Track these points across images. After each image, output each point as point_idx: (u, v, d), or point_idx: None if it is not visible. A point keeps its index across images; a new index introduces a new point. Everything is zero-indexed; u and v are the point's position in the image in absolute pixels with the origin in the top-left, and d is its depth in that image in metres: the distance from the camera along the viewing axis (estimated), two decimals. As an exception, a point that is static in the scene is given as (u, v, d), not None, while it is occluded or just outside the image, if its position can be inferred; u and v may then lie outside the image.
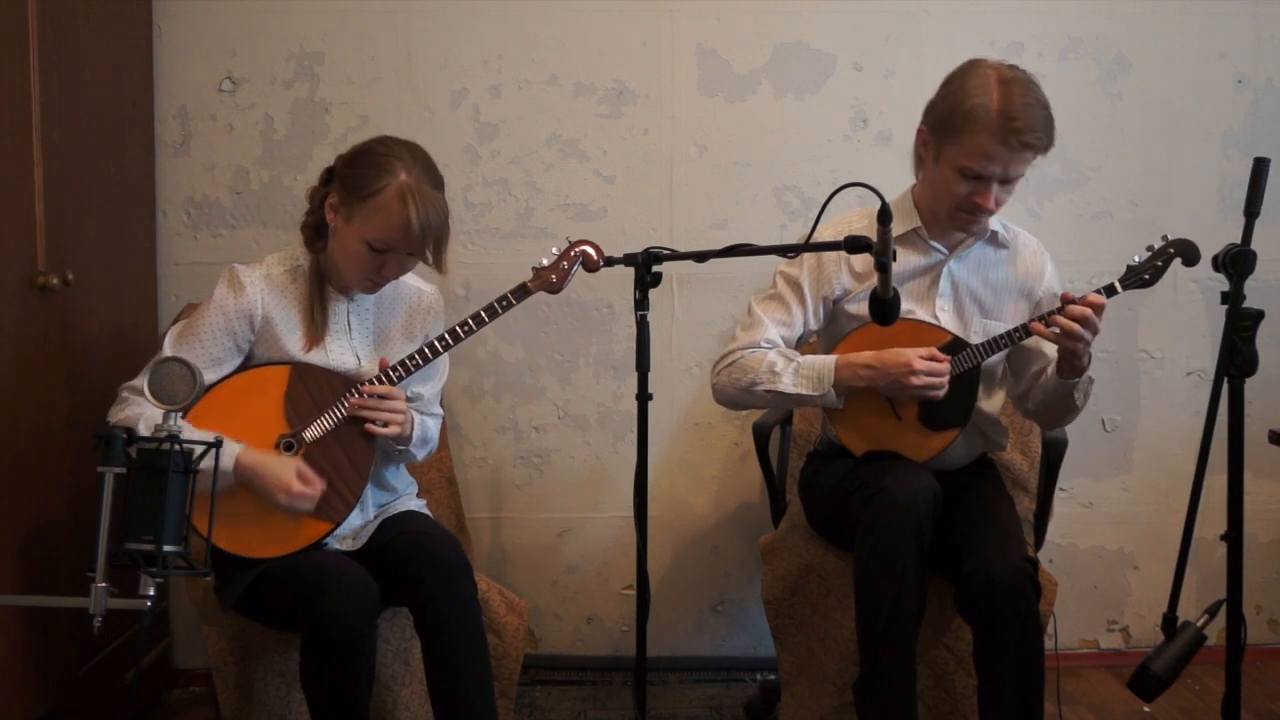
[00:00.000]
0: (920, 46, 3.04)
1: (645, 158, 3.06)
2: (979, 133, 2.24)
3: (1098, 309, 2.24)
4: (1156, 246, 2.36)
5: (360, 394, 2.22)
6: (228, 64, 2.98)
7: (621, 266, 2.08)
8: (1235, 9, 3.10)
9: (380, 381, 2.23)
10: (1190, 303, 3.17)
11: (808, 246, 2.12)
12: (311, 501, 2.17)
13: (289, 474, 2.15)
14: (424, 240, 2.17)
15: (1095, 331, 2.25)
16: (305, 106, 2.99)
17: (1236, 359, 2.06)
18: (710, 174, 3.07)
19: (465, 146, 3.03)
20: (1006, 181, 2.30)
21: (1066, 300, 2.26)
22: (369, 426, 2.23)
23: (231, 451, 2.14)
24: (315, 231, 2.29)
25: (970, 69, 2.31)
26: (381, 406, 2.23)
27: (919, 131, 2.39)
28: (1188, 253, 2.34)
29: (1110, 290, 2.31)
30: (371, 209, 2.18)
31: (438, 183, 2.23)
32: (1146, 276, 2.35)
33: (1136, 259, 2.36)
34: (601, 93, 3.04)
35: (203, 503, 1.93)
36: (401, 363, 2.23)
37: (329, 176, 2.28)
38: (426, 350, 2.24)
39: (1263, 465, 3.18)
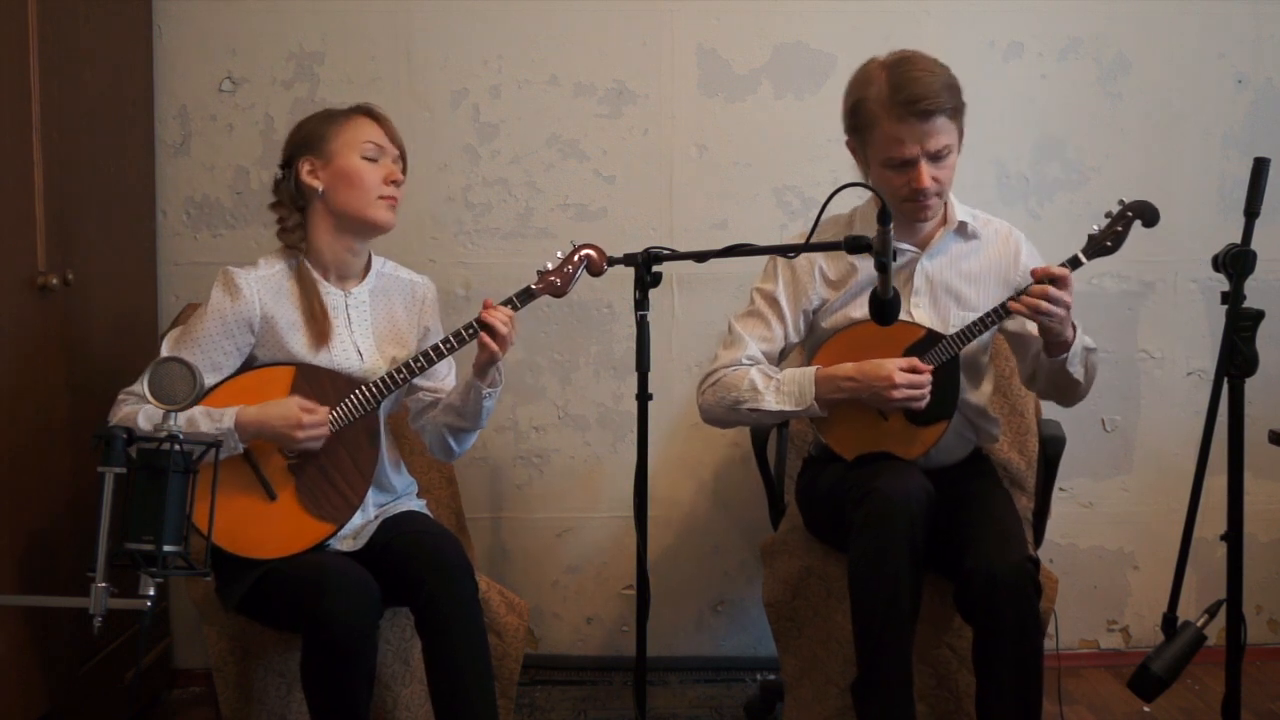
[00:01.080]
0: (920, 46, 2.98)
1: (645, 158, 3.06)
2: (881, 122, 2.26)
3: (1059, 281, 2.24)
4: (1114, 212, 2.35)
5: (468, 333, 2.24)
6: (228, 64, 2.98)
7: (621, 266, 2.08)
8: (1235, 9, 3.10)
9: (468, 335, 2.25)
10: (1190, 303, 3.17)
11: (808, 247, 2.12)
12: (323, 428, 2.19)
13: (294, 411, 2.17)
14: (395, 132, 2.34)
15: (1065, 305, 2.24)
16: (305, 106, 2.98)
17: (1236, 359, 2.06)
18: (710, 174, 3.07)
19: (465, 146, 3.03)
20: (936, 158, 2.29)
21: (1035, 276, 2.26)
22: (483, 337, 2.22)
23: (229, 414, 2.15)
24: (297, 234, 2.32)
25: (859, 69, 2.35)
26: (510, 327, 2.25)
27: (846, 143, 2.41)
28: (1146, 213, 2.33)
29: (1075, 262, 2.31)
30: (343, 130, 2.30)
31: None
32: (1109, 244, 2.34)
33: (1096, 228, 2.36)
34: (601, 93, 3.04)
35: (204, 503, 1.94)
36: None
37: (286, 165, 2.33)
38: (441, 346, 2.25)
39: (1263, 465, 3.17)
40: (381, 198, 2.29)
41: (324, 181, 2.29)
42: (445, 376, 2.44)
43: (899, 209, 2.35)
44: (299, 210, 2.32)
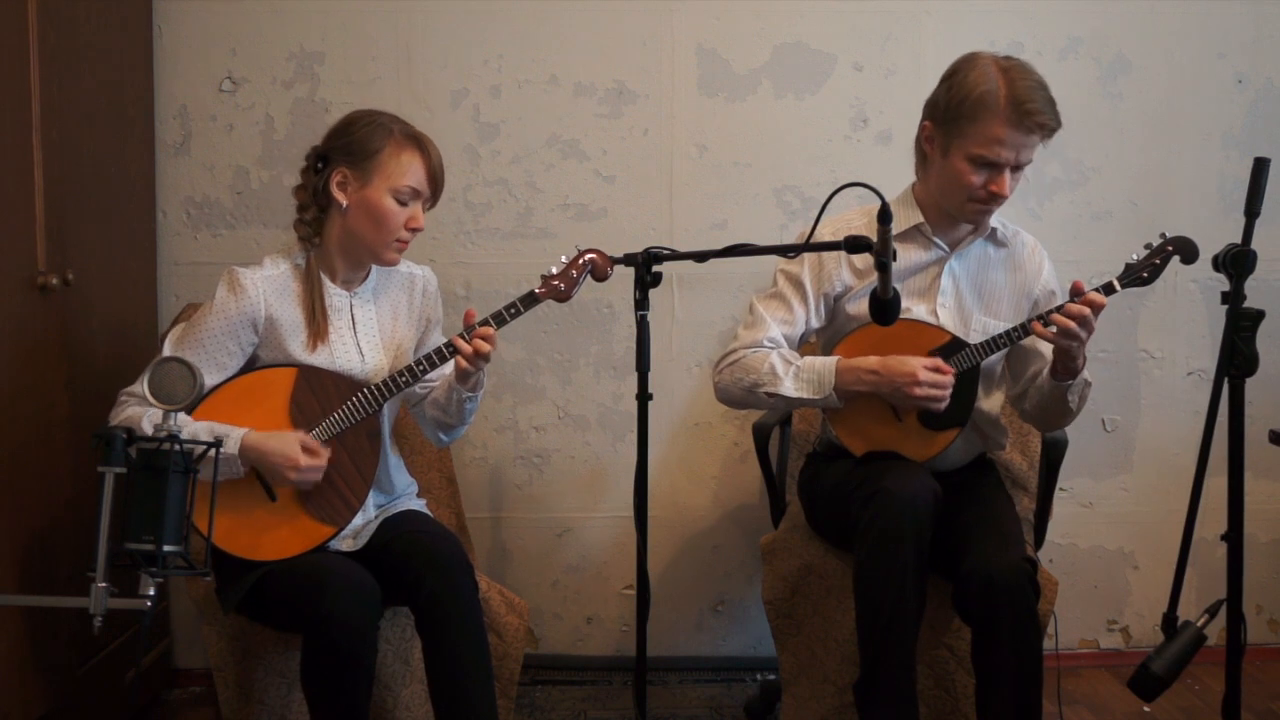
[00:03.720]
0: (920, 47, 3.04)
1: (645, 158, 3.06)
2: (990, 120, 2.25)
3: (1098, 308, 2.24)
4: (1155, 244, 2.35)
5: (466, 341, 2.20)
6: (228, 64, 2.98)
7: (622, 266, 2.08)
8: (1235, 9, 3.10)
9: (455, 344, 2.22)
10: (1190, 303, 3.17)
11: (808, 246, 2.12)
12: (319, 473, 2.17)
13: (294, 449, 2.15)
14: (440, 176, 2.29)
15: (1090, 331, 2.25)
16: (305, 106, 2.99)
17: (1236, 359, 2.07)
18: (710, 174, 3.07)
19: (465, 146, 3.03)
20: (1017, 168, 2.32)
21: (1077, 289, 2.26)
22: (460, 362, 2.20)
23: (237, 436, 2.14)
24: (313, 227, 2.29)
25: (969, 62, 2.33)
26: (485, 349, 2.21)
27: (922, 128, 2.39)
28: (1186, 250, 2.33)
29: (1109, 288, 2.31)
30: (388, 160, 2.23)
31: None
32: (1145, 275, 2.35)
33: (1135, 257, 2.36)
34: (601, 93, 3.04)
35: (204, 504, 1.94)
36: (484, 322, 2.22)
37: (320, 162, 2.28)
38: (445, 350, 2.23)
39: (1263, 465, 3.18)
40: (398, 240, 2.27)
41: (350, 201, 2.25)
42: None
43: (961, 207, 2.36)
44: (319, 206, 2.30)
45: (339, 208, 2.26)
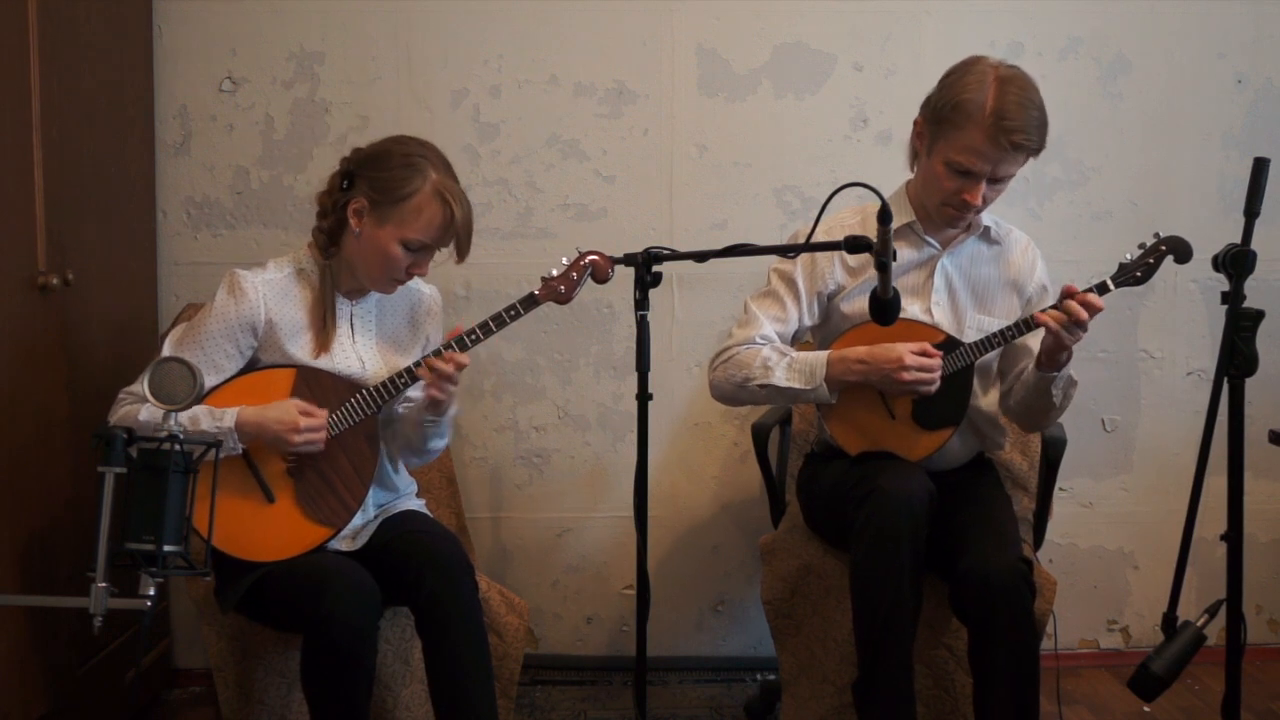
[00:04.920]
0: (920, 47, 3.04)
1: (645, 158, 3.06)
2: (970, 129, 2.24)
3: (1094, 310, 2.24)
4: (1148, 244, 2.35)
5: (434, 361, 2.19)
6: (228, 64, 2.98)
7: (622, 266, 2.08)
8: (1235, 9, 3.10)
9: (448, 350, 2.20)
10: (1190, 303, 3.17)
11: (807, 246, 2.12)
12: (320, 433, 2.17)
13: (292, 414, 2.15)
14: (461, 236, 2.23)
15: (1084, 331, 2.25)
16: (305, 106, 2.99)
17: (1236, 359, 2.07)
18: (710, 174, 3.07)
19: (465, 146, 3.03)
20: (996, 180, 2.30)
21: (1068, 293, 2.26)
22: (431, 391, 2.20)
23: (230, 414, 2.14)
24: (329, 236, 2.28)
25: (969, 65, 2.31)
26: (455, 375, 2.21)
27: (915, 123, 2.39)
28: (1180, 250, 2.33)
29: (1102, 288, 2.31)
30: (410, 210, 2.19)
31: (456, 177, 2.26)
32: (1139, 274, 2.34)
33: (1129, 256, 2.36)
34: (601, 93, 3.04)
35: (203, 504, 1.94)
36: (467, 334, 2.22)
37: (348, 180, 2.25)
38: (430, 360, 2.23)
39: (1263, 465, 3.18)
40: (394, 279, 2.26)
41: (361, 230, 2.22)
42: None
43: (937, 209, 2.37)
44: (338, 219, 2.26)
45: (351, 230, 2.24)
